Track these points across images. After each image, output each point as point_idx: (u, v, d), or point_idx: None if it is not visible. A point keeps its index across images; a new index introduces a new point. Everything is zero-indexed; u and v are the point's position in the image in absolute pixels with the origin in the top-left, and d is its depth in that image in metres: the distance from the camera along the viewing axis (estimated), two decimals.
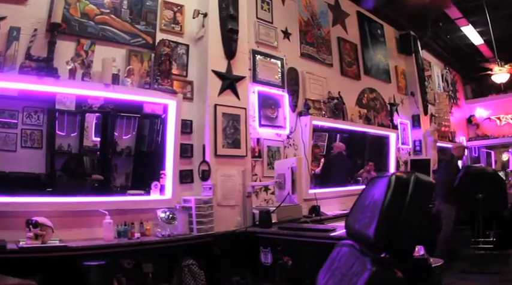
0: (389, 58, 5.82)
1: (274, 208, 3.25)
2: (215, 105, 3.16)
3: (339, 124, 4.42)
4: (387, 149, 5.42)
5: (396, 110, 5.72)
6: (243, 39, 3.40)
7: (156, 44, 3.12)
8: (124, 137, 3.23)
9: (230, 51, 3.29)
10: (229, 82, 3.26)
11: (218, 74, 3.22)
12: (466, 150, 4.19)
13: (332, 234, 2.70)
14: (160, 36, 3.15)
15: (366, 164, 5.18)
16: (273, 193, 3.77)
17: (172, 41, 3.20)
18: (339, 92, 4.51)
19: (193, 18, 3.25)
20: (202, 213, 2.91)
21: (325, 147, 5.35)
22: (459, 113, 8.10)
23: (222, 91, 3.22)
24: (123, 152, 3.24)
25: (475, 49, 7.19)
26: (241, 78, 3.35)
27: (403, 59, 6.24)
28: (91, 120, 3.04)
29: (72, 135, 2.94)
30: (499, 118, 7.82)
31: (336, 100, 4.33)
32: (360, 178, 5.41)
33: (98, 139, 3.08)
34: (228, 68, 3.28)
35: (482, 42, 6.91)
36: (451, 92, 7.77)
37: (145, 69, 3.06)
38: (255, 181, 3.62)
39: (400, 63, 6.16)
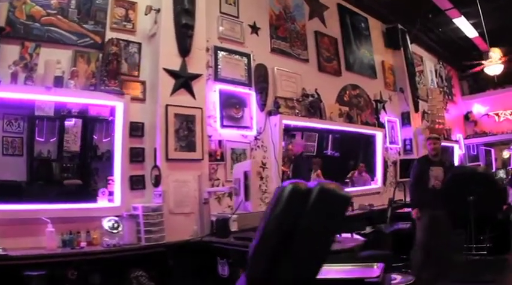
0: (375, 53, 5.53)
1: (235, 216, 3.04)
2: (166, 106, 2.96)
3: (315, 124, 4.14)
4: (373, 149, 5.14)
5: (383, 107, 5.42)
6: (200, 34, 3.19)
7: (105, 43, 2.92)
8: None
9: (184, 48, 3.07)
10: (182, 80, 3.05)
11: (170, 72, 3.00)
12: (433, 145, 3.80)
13: None
14: (110, 35, 2.98)
15: (358, 165, 4.97)
16: None
17: (123, 40, 3.02)
18: (316, 89, 4.25)
19: (146, 14, 3.07)
20: (150, 221, 2.72)
21: (315, 148, 5.13)
22: (455, 110, 7.74)
23: (175, 90, 3.02)
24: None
25: (470, 42, 6.83)
26: (197, 76, 3.13)
27: (390, 54, 5.94)
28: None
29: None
30: (497, 114, 7.43)
31: (311, 98, 4.06)
32: (348, 180, 5.16)
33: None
34: (182, 66, 3.06)
35: (477, 34, 6.56)
36: (445, 88, 7.42)
37: (92, 70, 2.89)
38: (217, 186, 3.38)
39: (388, 58, 5.86)
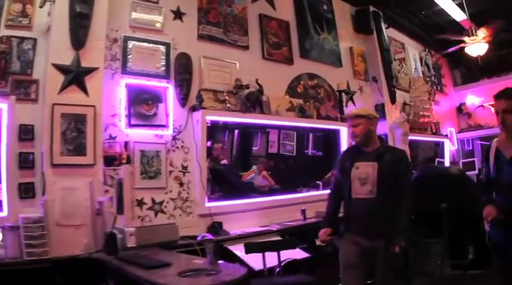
0: (342, 38, 4.87)
1: (132, 229, 2.52)
2: (53, 105, 2.59)
3: (251, 119, 3.53)
4: (337, 147, 4.49)
5: (351, 99, 4.77)
6: (99, 24, 2.80)
7: None
8: None
9: (78, 40, 2.70)
10: (72, 76, 2.65)
11: (60, 68, 2.63)
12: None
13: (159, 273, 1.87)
14: (5, 32, 2.68)
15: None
16: (150, 209, 3.00)
17: (17, 37, 2.71)
18: (257, 80, 3.65)
19: (40, 7, 2.77)
20: (31, 234, 2.39)
21: (294, 148, 4.56)
22: (447, 101, 6.97)
23: (63, 87, 2.64)
24: None
25: (458, 26, 6.08)
26: (91, 70, 2.71)
27: (362, 39, 5.26)
28: None
29: None
30: (493, 105, 6.58)
31: (246, 89, 3.47)
32: (321, 182, 4.56)
33: None
34: (74, 60, 2.68)
35: (465, 17, 5.80)
36: (433, 77, 6.66)
37: None
38: None
39: (358, 43, 5.19)
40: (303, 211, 3.67)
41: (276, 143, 4.50)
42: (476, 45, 5.25)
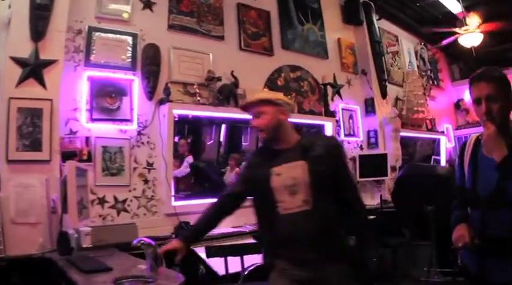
0: (329, 29, 4.69)
1: (88, 229, 2.41)
2: (9, 99, 2.50)
3: (223, 113, 3.36)
4: None
5: (338, 93, 4.59)
6: (60, 14, 2.69)
7: None
8: None
9: (37, 32, 2.60)
10: (29, 69, 2.55)
11: (18, 61, 2.53)
12: None
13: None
14: None
15: None
16: (112, 207, 2.86)
17: None
18: (232, 72, 3.49)
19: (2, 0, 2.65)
20: None
21: None
22: (444, 97, 6.75)
23: (21, 81, 2.54)
24: None
25: (455, 19, 5.87)
26: (50, 63, 2.61)
27: (351, 31, 5.08)
28: None
29: None
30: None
31: (218, 82, 3.30)
32: None
33: None
34: (32, 52, 2.57)
35: (461, 9, 5.59)
36: (429, 72, 6.44)
37: None
38: None
39: (347, 35, 5.00)
40: None
41: None
42: (470, 36, 5.02)
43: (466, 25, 4.88)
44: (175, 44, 3.32)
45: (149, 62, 3.12)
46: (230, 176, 3.48)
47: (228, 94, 3.35)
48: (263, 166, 1.71)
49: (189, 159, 3.28)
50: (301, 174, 1.64)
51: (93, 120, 2.87)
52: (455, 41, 5.35)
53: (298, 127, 1.83)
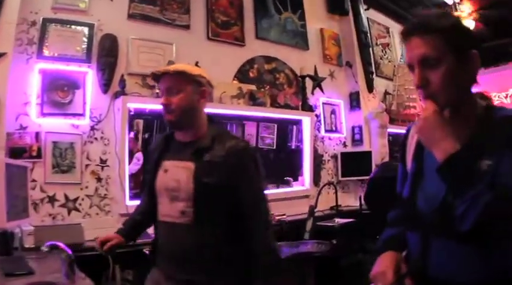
0: (310, 18, 4.60)
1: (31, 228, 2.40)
2: None
3: None
4: (299, 139, 4.27)
5: (319, 86, 4.53)
6: (11, 5, 2.68)
7: None
8: None
9: None
10: None
11: None
12: None
13: None
14: None
15: None
16: (63, 206, 2.84)
17: None
18: (197, 63, 3.44)
19: None
20: None
21: (275, 140, 4.33)
22: None
23: None
24: None
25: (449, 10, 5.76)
26: None
27: (336, 21, 5.01)
28: None
29: None
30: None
31: None
32: (290, 179, 4.35)
33: None
34: None
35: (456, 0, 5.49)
36: None
37: None
38: (33, 189, 2.70)
39: (331, 25, 4.92)
40: None
41: (255, 137, 4.33)
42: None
43: (457, 11, 4.77)
44: (135, 34, 3.26)
45: (105, 53, 3.07)
46: None
47: None
48: (156, 156, 1.54)
49: (139, 155, 3.22)
50: (185, 179, 1.42)
51: (43, 114, 2.83)
52: None
53: (213, 118, 1.61)
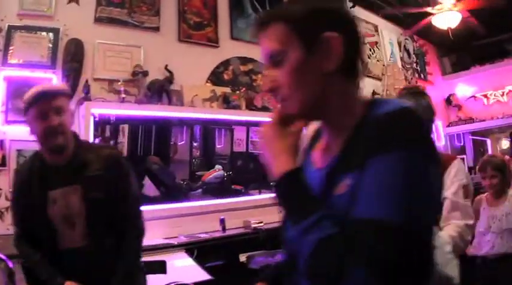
0: None
1: None
2: None
3: (151, 111, 3.32)
4: (257, 144, 4.29)
5: None
6: None
7: None
8: None
9: None
10: None
11: None
12: None
13: None
14: None
15: None
16: None
17: None
18: (166, 66, 3.50)
19: None
20: None
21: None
22: (434, 92, 6.62)
23: None
24: None
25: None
26: None
27: None
28: None
29: None
30: (485, 96, 6.21)
31: (142, 76, 3.28)
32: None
33: None
34: None
35: None
36: (415, 65, 6.40)
37: None
38: None
39: None
40: (222, 221, 3.43)
41: (244, 141, 4.39)
42: (445, 15, 4.87)
43: (440, 3, 4.77)
44: (102, 38, 3.32)
45: (70, 59, 3.14)
46: (148, 182, 3.49)
47: (158, 91, 3.36)
48: (37, 187, 1.52)
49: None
50: (76, 202, 1.48)
51: (8, 122, 2.92)
52: (431, 25, 5.25)
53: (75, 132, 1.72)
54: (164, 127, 3.78)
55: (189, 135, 4.17)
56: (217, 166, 4.17)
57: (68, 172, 1.50)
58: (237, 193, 4.04)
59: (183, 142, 4.11)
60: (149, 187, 3.60)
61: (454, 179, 1.72)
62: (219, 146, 4.39)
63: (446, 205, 1.71)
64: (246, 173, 4.21)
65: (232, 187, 4.16)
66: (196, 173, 4.10)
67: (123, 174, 1.55)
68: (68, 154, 1.53)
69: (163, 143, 3.85)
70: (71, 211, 1.47)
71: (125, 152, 3.45)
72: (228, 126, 4.00)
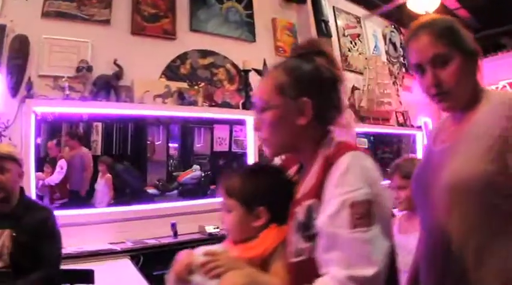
0: (261, 8, 4.77)
1: None
2: None
3: (97, 108, 3.48)
4: (242, 142, 4.45)
5: None
6: None
7: None
8: None
9: None
10: None
11: None
12: None
13: None
14: None
15: None
16: None
17: None
18: (115, 60, 3.65)
19: None
20: None
21: None
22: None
23: None
24: None
25: None
26: None
27: (294, 10, 5.16)
28: None
29: None
30: None
31: (87, 72, 3.43)
32: None
33: None
34: None
35: None
36: (401, 58, 6.45)
37: None
38: None
39: (286, 15, 5.06)
40: (173, 225, 3.51)
41: (227, 140, 4.55)
42: None
43: None
44: (48, 33, 3.44)
45: (14, 55, 3.27)
46: (101, 184, 3.65)
47: (104, 87, 3.51)
48: None
49: (62, 163, 3.46)
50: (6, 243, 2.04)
51: None
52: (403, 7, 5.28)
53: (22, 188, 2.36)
54: (140, 126, 3.98)
55: (165, 134, 4.38)
56: (195, 166, 4.35)
57: (6, 221, 2.09)
58: (214, 194, 4.09)
59: (160, 142, 4.32)
60: (103, 189, 3.73)
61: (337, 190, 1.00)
62: (199, 145, 4.57)
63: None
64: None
65: (211, 187, 4.32)
66: (173, 173, 4.30)
67: (48, 237, 2.16)
68: (12, 205, 2.17)
69: (139, 142, 4.06)
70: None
71: (98, 151, 3.72)
72: (209, 124, 4.14)
